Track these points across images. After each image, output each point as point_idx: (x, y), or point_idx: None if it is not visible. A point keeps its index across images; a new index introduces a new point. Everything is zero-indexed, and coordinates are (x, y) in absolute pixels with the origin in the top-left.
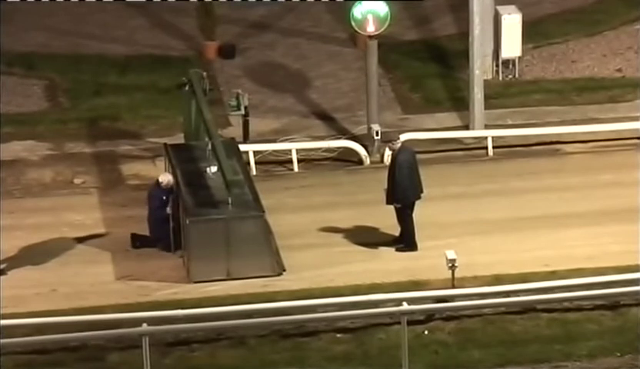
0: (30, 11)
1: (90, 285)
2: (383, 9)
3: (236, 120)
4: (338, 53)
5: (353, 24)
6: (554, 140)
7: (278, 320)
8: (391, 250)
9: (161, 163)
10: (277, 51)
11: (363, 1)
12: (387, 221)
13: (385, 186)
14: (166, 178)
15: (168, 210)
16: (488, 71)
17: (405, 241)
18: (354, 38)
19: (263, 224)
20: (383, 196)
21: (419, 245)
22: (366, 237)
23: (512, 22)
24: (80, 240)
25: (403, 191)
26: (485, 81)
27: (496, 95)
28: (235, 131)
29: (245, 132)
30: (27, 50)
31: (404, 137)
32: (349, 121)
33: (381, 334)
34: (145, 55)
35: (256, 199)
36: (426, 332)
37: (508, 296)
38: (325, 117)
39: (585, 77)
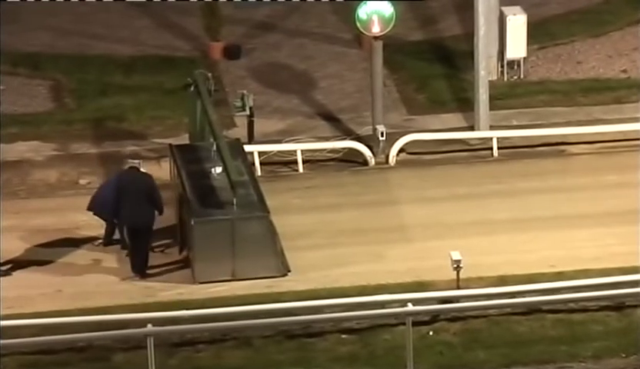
0: (35, 11)
1: (95, 286)
2: (388, 10)
3: (241, 120)
4: (343, 54)
5: (358, 24)
6: (559, 141)
7: (283, 321)
8: (395, 250)
9: (166, 164)
10: (282, 51)
11: (368, 2)
12: (393, 221)
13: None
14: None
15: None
16: (493, 71)
17: (138, 267)
18: (359, 38)
19: (268, 225)
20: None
21: (424, 245)
22: (371, 238)
23: (517, 23)
24: (85, 240)
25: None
26: (490, 81)
27: (501, 96)
28: (240, 131)
29: (250, 133)
30: (32, 50)
31: (409, 137)
32: (354, 122)
33: (386, 335)
34: (151, 56)
35: (261, 200)
36: (431, 333)
37: (514, 297)
38: (330, 117)
39: (591, 78)
